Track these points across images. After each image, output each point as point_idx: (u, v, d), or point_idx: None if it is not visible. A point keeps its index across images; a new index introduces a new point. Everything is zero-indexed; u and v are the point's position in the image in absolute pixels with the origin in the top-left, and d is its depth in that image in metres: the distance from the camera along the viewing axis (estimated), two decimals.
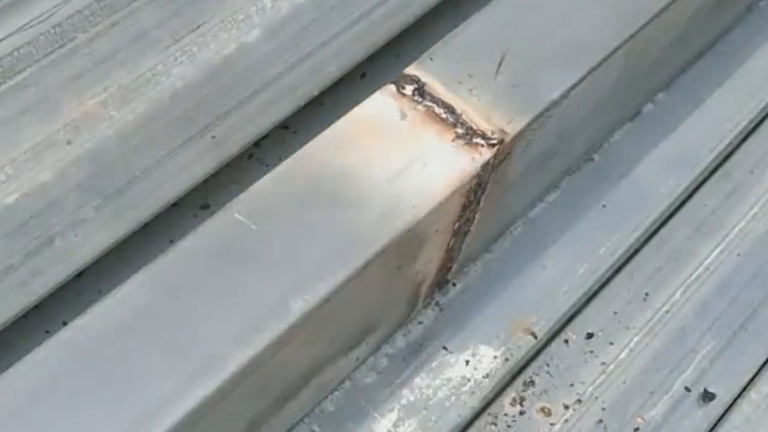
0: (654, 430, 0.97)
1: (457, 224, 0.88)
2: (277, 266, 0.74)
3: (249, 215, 0.76)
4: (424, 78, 0.86)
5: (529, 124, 0.85)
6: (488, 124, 0.84)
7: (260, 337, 0.71)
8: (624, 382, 0.99)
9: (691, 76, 1.19)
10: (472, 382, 0.95)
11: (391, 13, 0.95)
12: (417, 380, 0.94)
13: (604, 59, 0.90)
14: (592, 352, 1.00)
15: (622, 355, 1.00)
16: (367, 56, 0.93)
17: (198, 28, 0.89)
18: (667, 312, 1.04)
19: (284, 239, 0.76)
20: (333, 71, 0.90)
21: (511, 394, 0.97)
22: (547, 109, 0.86)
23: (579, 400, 0.97)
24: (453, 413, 0.93)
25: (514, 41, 0.89)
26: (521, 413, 0.96)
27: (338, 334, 0.83)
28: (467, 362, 0.96)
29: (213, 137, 0.84)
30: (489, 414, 0.96)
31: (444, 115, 0.84)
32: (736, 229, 1.10)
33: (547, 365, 0.99)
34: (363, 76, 0.95)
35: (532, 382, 0.98)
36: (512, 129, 0.84)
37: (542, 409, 0.96)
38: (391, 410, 0.92)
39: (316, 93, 0.89)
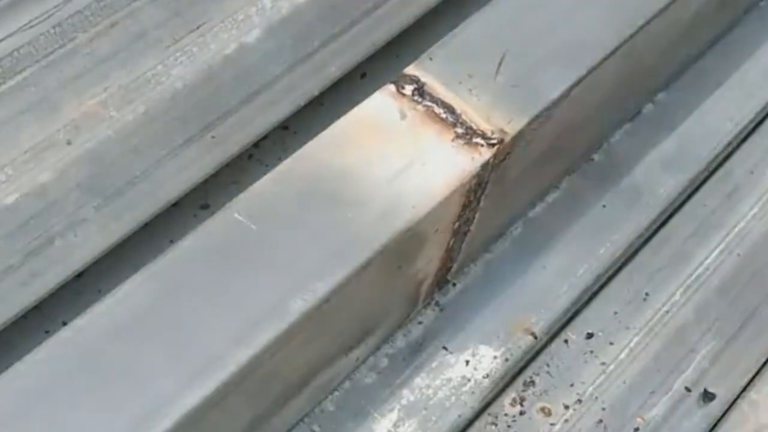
0: (654, 430, 0.97)
1: (457, 224, 0.88)
2: (276, 266, 0.74)
3: (249, 215, 0.76)
4: (424, 78, 0.86)
5: (529, 124, 0.85)
6: (488, 123, 0.84)
7: (260, 337, 0.71)
8: (624, 382, 0.99)
9: (691, 76, 1.19)
10: (472, 382, 0.95)
11: (391, 13, 0.95)
12: (417, 380, 0.94)
13: (604, 59, 0.90)
14: (592, 352, 1.00)
15: (622, 355, 1.00)
16: (367, 56, 0.93)
17: (198, 28, 0.89)
18: (667, 312, 1.04)
19: (284, 239, 0.76)
20: (333, 71, 0.90)
21: (511, 394, 0.97)
22: (546, 109, 0.86)
23: (579, 400, 0.97)
24: (453, 413, 0.93)
25: (513, 41, 0.89)
26: (521, 413, 0.96)
27: (338, 334, 0.83)
28: (467, 362, 0.96)
29: (213, 137, 0.84)
30: (489, 414, 0.96)
31: (444, 115, 0.84)
32: (736, 229, 1.10)
33: (547, 365, 0.99)
34: (363, 76, 0.95)
35: (532, 382, 0.98)
36: (512, 129, 0.84)
37: (542, 409, 0.96)
38: (391, 410, 0.92)
39: (316, 93, 0.89)
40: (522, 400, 0.97)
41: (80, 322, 0.70)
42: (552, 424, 0.96)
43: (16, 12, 0.85)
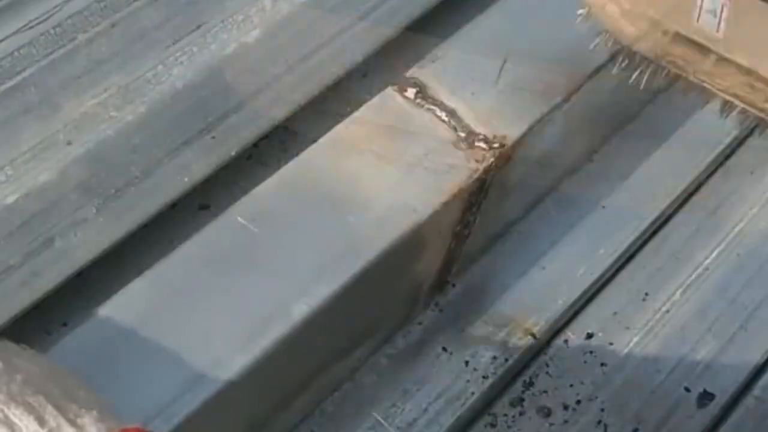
0: (653, 430, 0.97)
1: (458, 227, 0.88)
2: (279, 270, 0.75)
3: (251, 218, 0.76)
4: (426, 81, 0.86)
5: (531, 128, 0.85)
6: (490, 127, 0.84)
7: (261, 341, 0.71)
8: (623, 383, 0.99)
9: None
10: (471, 382, 0.95)
11: (392, 13, 0.94)
12: (416, 381, 0.94)
13: (606, 63, 0.90)
14: (591, 352, 1.00)
15: (622, 356, 1.00)
16: (367, 57, 0.92)
17: (198, 28, 0.89)
18: (667, 312, 1.04)
19: (286, 243, 0.76)
20: (333, 72, 0.90)
21: (510, 394, 0.97)
22: (548, 113, 0.87)
23: (578, 401, 0.97)
24: (452, 414, 0.93)
25: (515, 45, 0.89)
26: (521, 414, 0.96)
27: (339, 336, 0.83)
28: (467, 363, 0.96)
29: (213, 138, 0.84)
30: (489, 414, 0.96)
31: (446, 119, 0.84)
32: (736, 230, 1.10)
33: (547, 365, 0.99)
34: (364, 76, 0.95)
35: (532, 383, 0.98)
36: (514, 133, 0.84)
37: (542, 410, 0.96)
38: (391, 411, 0.92)
39: (316, 93, 0.89)
40: (521, 400, 0.97)
41: (81, 325, 0.71)
42: (551, 425, 0.96)
43: (16, 12, 0.85)
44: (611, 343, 1.01)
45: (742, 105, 0.78)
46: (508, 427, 0.95)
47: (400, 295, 0.91)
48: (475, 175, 0.82)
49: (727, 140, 1.15)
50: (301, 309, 0.73)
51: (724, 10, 0.75)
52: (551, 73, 0.88)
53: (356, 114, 0.84)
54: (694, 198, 1.12)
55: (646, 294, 1.05)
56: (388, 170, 0.81)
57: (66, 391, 0.62)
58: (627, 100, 1.09)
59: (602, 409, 0.97)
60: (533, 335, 0.98)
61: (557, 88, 0.88)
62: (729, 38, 0.77)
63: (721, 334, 1.03)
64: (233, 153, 0.84)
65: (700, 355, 1.02)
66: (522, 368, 0.99)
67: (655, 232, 1.09)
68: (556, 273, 1.02)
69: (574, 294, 1.02)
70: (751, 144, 1.17)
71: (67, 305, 0.79)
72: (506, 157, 0.84)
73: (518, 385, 0.98)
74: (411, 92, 0.85)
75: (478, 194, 0.85)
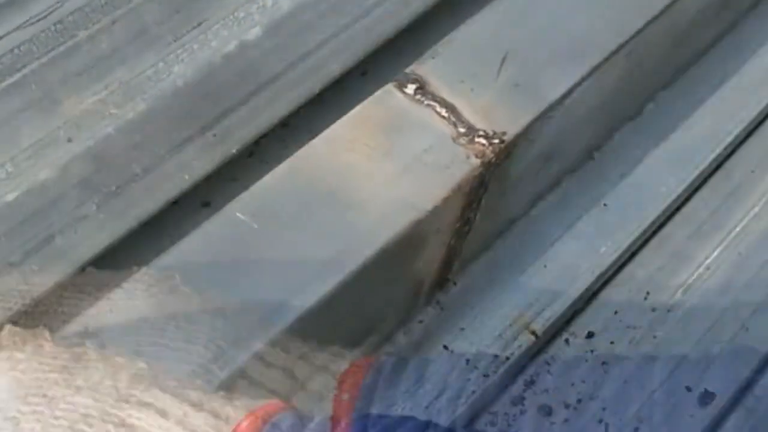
0: (654, 429, 0.97)
1: (458, 224, 0.88)
2: (278, 266, 0.74)
3: (251, 214, 0.76)
4: (426, 77, 0.86)
5: (531, 124, 0.85)
6: (490, 123, 0.84)
7: (261, 338, 0.71)
8: (624, 382, 0.99)
9: (693, 74, 1.19)
10: (472, 381, 0.95)
11: (392, 10, 0.94)
12: (417, 379, 0.94)
13: (607, 59, 0.90)
14: (593, 351, 1.00)
15: (623, 355, 1.00)
16: (368, 54, 0.92)
17: (199, 25, 0.88)
18: (668, 311, 1.04)
19: (286, 239, 0.76)
20: (333, 69, 0.90)
21: (511, 393, 0.97)
22: (549, 109, 0.86)
23: (579, 400, 0.97)
24: (453, 412, 0.93)
25: (516, 40, 0.89)
26: (522, 412, 0.96)
27: (339, 334, 0.83)
28: (468, 361, 0.96)
29: (214, 135, 0.84)
30: (489, 413, 0.96)
31: (445, 114, 0.84)
32: (737, 229, 1.10)
33: (548, 364, 0.99)
34: (364, 74, 0.95)
35: (533, 382, 0.98)
36: (514, 128, 0.84)
37: (542, 408, 0.96)
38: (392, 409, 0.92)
39: (316, 91, 0.89)
40: (522, 399, 0.97)
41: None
42: (552, 423, 0.95)
43: (17, 9, 0.84)
44: (612, 342, 1.01)
45: None
46: (509, 425, 0.95)
47: (400, 293, 0.91)
48: (475, 171, 0.82)
49: (729, 138, 1.15)
50: (300, 305, 0.73)
51: None
52: (551, 69, 0.88)
53: (355, 110, 0.84)
54: (696, 196, 1.12)
55: (648, 293, 1.04)
56: (387, 166, 0.81)
57: (179, 380, 0.59)
58: (628, 97, 1.09)
59: (603, 408, 0.97)
60: (534, 334, 0.98)
61: (558, 84, 0.88)
62: None
63: (723, 333, 1.03)
64: (234, 150, 0.84)
65: (701, 354, 1.01)
66: (523, 367, 0.98)
67: (656, 231, 1.09)
68: (557, 272, 1.02)
69: (576, 293, 1.02)
70: (752, 142, 1.17)
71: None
72: (506, 152, 0.84)
73: (519, 384, 0.97)
74: (411, 88, 0.85)
75: (478, 190, 0.85)
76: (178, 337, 0.65)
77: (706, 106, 1.17)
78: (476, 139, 0.82)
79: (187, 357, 0.62)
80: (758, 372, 1.02)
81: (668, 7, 0.95)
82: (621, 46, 0.92)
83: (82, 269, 0.77)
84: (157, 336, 0.64)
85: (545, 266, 1.02)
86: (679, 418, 0.98)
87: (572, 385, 0.98)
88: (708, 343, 1.02)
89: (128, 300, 0.67)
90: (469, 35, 0.90)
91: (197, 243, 0.76)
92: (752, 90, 1.18)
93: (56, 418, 0.56)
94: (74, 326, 0.70)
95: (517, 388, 0.97)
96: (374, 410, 0.61)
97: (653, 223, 1.09)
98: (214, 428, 0.55)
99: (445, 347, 0.96)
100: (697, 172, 1.12)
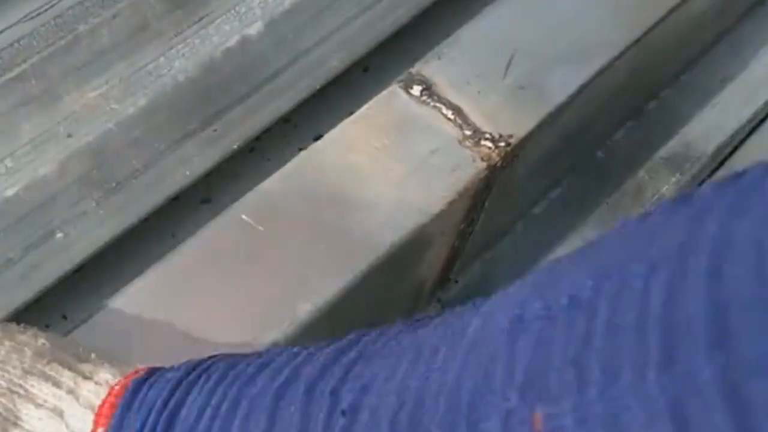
0: None
1: (462, 226, 0.87)
2: (282, 268, 0.74)
3: (255, 216, 0.76)
4: (432, 78, 0.85)
5: (538, 127, 0.85)
6: (496, 126, 0.83)
7: (266, 340, 0.71)
8: None
9: (695, 73, 1.19)
10: None
11: (394, 6, 0.94)
12: None
13: (614, 60, 0.90)
14: None
15: None
16: (370, 50, 0.92)
17: (200, 20, 0.88)
18: None
19: (290, 241, 0.75)
20: (335, 65, 0.90)
21: None
22: (555, 112, 0.86)
23: None
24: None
25: (522, 41, 0.88)
26: None
27: (340, 331, 0.83)
28: None
29: (214, 130, 0.84)
30: None
31: (451, 116, 0.83)
32: None
33: None
34: (365, 70, 0.94)
35: None
36: (520, 131, 0.84)
37: None
38: None
39: (317, 87, 0.88)
40: None
41: (81, 321, 0.70)
42: None
43: (17, 3, 0.84)
44: None
45: None
46: None
47: (403, 293, 0.91)
48: (481, 175, 0.82)
49: (729, 138, 1.15)
50: (305, 308, 0.73)
51: None
52: (558, 71, 0.88)
53: (361, 111, 0.83)
54: None
55: None
56: (393, 168, 0.80)
57: (78, 356, 0.64)
58: (631, 96, 1.08)
59: None
60: None
61: (565, 86, 0.87)
62: None
63: None
64: (235, 146, 0.84)
65: None
66: None
67: None
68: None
69: None
70: (754, 142, 1.17)
71: (67, 298, 0.78)
72: (512, 155, 0.84)
73: None
74: (417, 89, 0.85)
75: (482, 193, 0.85)
76: None
77: (709, 104, 1.16)
78: (482, 142, 0.82)
79: None
80: None
81: (675, 7, 0.95)
82: (628, 47, 0.91)
83: (81, 265, 0.77)
84: None
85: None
86: None
87: None
88: None
89: None
90: (475, 35, 0.89)
91: (200, 244, 0.76)
92: (755, 88, 1.18)
93: None
94: None
95: None
96: None
97: None
98: (95, 394, 0.61)
99: None
100: (699, 170, 1.12)
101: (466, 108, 0.84)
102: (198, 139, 0.82)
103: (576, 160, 1.07)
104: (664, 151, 1.11)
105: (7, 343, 0.65)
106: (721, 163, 1.14)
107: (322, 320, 0.74)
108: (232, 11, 0.89)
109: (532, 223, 1.04)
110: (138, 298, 0.74)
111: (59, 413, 0.61)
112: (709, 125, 1.14)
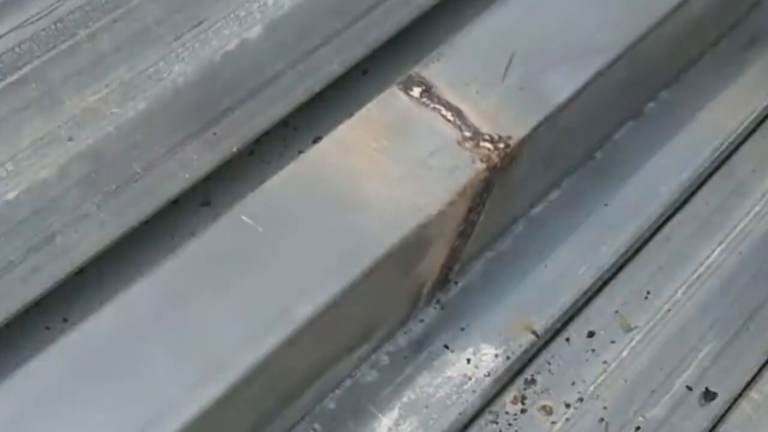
0: (655, 428, 0.97)
1: (462, 226, 0.87)
2: (283, 269, 0.74)
3: (255, 217, 0.76)
4: (431, 79, 0.86)
5: (536, 128, 0.85)
6: (495, 127, 0.84)
7: (266, 341, 0.71)
8: (625, 381, 0.99)
9: (694, 74, 1.19)
10: (473, 380, 0.95)
11: (393, 10, 0.94)
12: (418, 379, 0.94)
13: (613, 62, 0.90)
14: (593, 350, 1.00)
15: (624, 354, 1.00)
16: (368, 53, 0.92)
17: (200, 24, 0.88)
18: (669, 311, 1.04)
19: (291, 242, 0.75)
20: (334, 68, 0.90)
21: (512, 392, 0.97)
22: (554, 113, 0.86)
23: (580, 399, 0.97)
24: (454, 411, 0.93)
25: (521, 43, 0.89)
26: (522, 411, 0.96)
27: (342, 335, 0.83)
28: (468, 360, 0.96)
29: (214, 134, 0.84)
30: (490, 412, 0.96)
31: (451, 118, 0.84)
32: (738, 228, 1.10)
33: (549, 363, 0.99)
34: (364, 73, 0.95)
35: (534, 381, 0.98)
36: (519, 132, 0.84)
37: (543, 408, 0.96)
38: (392, 408, 0.92)
39: (317, 90, 0.89)
40: (523, 398, 0.97)
41: (86, 325, 0.70)
42: (553, 423, 0.96)
43: (18, 8, 0.84)
44: (613, 342, 1.01)
45: None
46: (509, 425, 0.95)
47: (402, 295, 0.91)
48: (481, 176, 0.82)
49: (729, 138, 1.15)
50: (305, 309, 0.73)
51: None
52: (557, 72, 0.88)
53: (361, 112, 0.84)
54: (696, 196, 1.12)
55: (648, 292, 1.04)
56: (393, 169, 0.80)
57: None
58: (630, 97, 1.09)
59: (604, 407, 0.97)
60: (535, 333, 0.98)
61: (563, 88, 0.88)
62: None
63: (723, 333, 1.03)
64: (234, 149, 0.84)
65: (702, 353, 1.01)
66: (524, 366, 0.98)
67: (657, 231, 1.09)
68: (558, 271, 1.02)
69: (576, 292, 1.01)
70: (754, 142, 1.17)
71: (67, 301, 0.79)
72: (511, 156, 0.84)
73: (520, 383, 0.97)
74: (416, 91, 0.85)
75: (482, 194, 0.85)
76: None
77: (708, 105, 1.17)
78: (482, 143, 0.82)
79: None
80: (760, 370, 1.02)
81: (673, 9, 0.95)
82: (626, 50, 0.91)
83: (82, 268, 0.77)
84: None
85: (546, 266, 1.02)
86: (679, 418, 0.98)
87: (573, 384, 0.98)
88: (709, 342, 1.02)
89: None
90: (473, 37, 0.90)
91: (200, 245, 0.76)
92: (754, 88, 1.18)
93: None
94: None
95: (517, 387, 0.97)
96: None
97: (654, 222, 1.08)
98: None
99: (446, 346, 0.96)
100: (698, 171, 1.12)
101: (466, 109, 0.84)
102: (198, 142, 0.83)
103: (575, 162, 1.07)
104: (663, 152, 1.11)
105: None
106: (720, 165, 1.15)
107: (321, 320, 0.74)
108: (232, 15, 0.90)
109: (531, 224, 1.04)
110: (139, 299, 0.74)
111: None
112: (707, 126, 1.14)
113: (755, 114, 1.17)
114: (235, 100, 0.86)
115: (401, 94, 0.85)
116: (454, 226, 0.87)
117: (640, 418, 0.97)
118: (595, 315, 1.02)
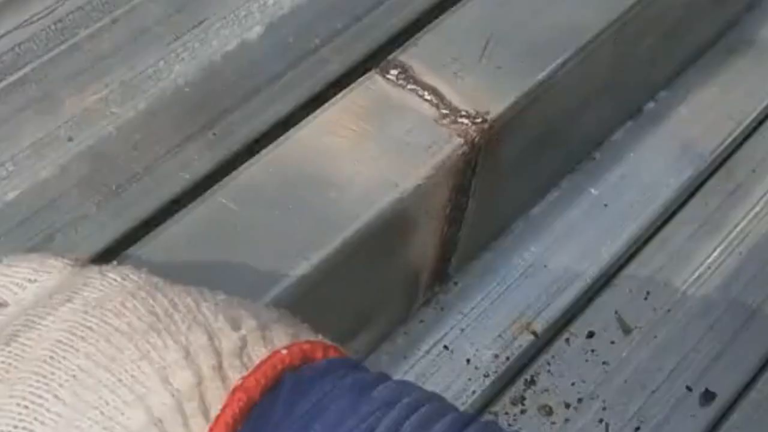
0: (655, 429, 0.97)
1: (448, 209, 0.87)
2: (259, 247, 0.74)
3: (231, 198, 0.76)
4: (409, 62, 0.86)
5: (515, 104, 0.85)
6: (473, 104, 0.84)
7: None
8: (625, 381, 0.99)
9: (693, 73, 1.19)
10: (472, 380, 0.95)
11: (394, 9, 0.94)
12: (417, 379, 0.94)
13: (591, 41, 0.91)
14: (593, 351, 1.00)
15: (624, 354, 1.00)
16: (369, 53, 0.92)
17: (200, 24, 0.88)
18: (669, 311, 1.04)
19: (266, 221, 0.75)
20: (335, 68, 0.90)
21: (511, 392, 0.97)
22: (534, 89, 0.87)
23: (580, 399, 0.97)
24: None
25: (500, 24, 0.89)
26: (522, 412, 0.96)
27: (331, 322, 0.83)
28: (468, 361, 0.96)
29: (214, 134, 0.84)
30: (490, 413, 0.96)
31: (428, 97, 0.84)
32: (738, 228, 1.10)
33: (548, 364, 0.99)
34: (365, 73, 0.95)
35: (533, 381, 0.98)
36: (497, 108, 0.84)
37: (543, 408, 0.96)
38: None
39: (317, 90, 0.89)
40: (523, 399, 0.97)
41: None
42: (553, 423, 0.96)
43: (17, 8, 0.84)
44: (613, 342, 1.01)
45: None
46: (509, 425, 0.95)
47: (395, 285, 0.91)
48: (458, 150, 0.82)
49: (730, 137, 1.15)
50: (282, 284, 0.73)
51: None
52: (536, 52, 0.88)
53: (337, 97, 0.84)
54: (696, 196, 1.12)
55: (648, 293, 1.04)
56: (369, 147, 0.81)
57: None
58: (624, 91, 1.08)
59: (604, 408, 0.97)
60: (535, 333, 0.98)
61: (543, 66, 0.88)
62: None
63: (724, 333, 1.03)
64: (235, 150, 0.84)
65: (702, 353, 1.01)
66: (523, 366, 0.98)
67: (656, 231, 1.09)
68: (557, 271, 1.02)
69: (576, 292, 1.01)
70: (754, 142, 1.17)
71: None
72: (492, 133, 0.84)
73: (519, 384, 0.97)
74: (393, 73, 0.85)
75: (465, 172, 0.85)
76: None
77: (707, 105, 1.17)
78: (459, 119, 0.82)
79: None
80: (761, 371, 1.02)
81: None
82: (606, 29, 0.92)
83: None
84: None
85: (545, 266, 1.02)
86: (679, 418, 0.98)
87: (573, 384, 0.98)
88: (709, 342, 1.02)
89: None
90: (452, 20, 0.91)
91: (178, 227, 0.76)
92: (754, 88, 1.18)
93: None
94: None
95: (517, 387, 0.97)
96: None
97: (653, 222, 1.08)
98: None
99: (445, 347, 0.96)
100: (698, 171, 1.12)
101: (443, 89, 0.85)
102: (198, 143, 0.83)
103: (572, 159, 1.07)
104: (662, 152, 1.11)
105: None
106: (720, 165, 1.15)
107: (304, 299, 0.74)
108: (232, 15, 0.90)
109: (530, 224, 1.04)
110: None
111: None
112: (707, 126, 1.14)
113: (756, 114, 1.17)
114: (236, 100, 0.86)
115: (378, 78, 0.86)
116: (440, 207, 0.86)
117: (640, 419, 0.97)
118: (595, 315, 1.02)
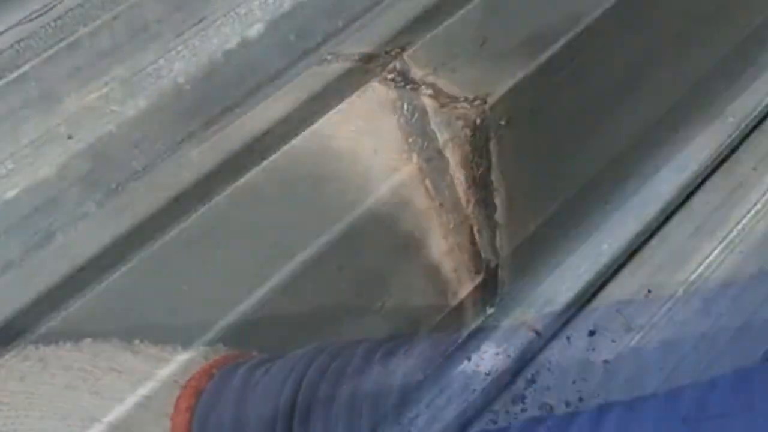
0: None
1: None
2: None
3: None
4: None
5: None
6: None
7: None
8: (625, 380, 0.99)
9: (693, 73, 1.19)
10: (473, 379, 0.95)
11: (395, 7, 0.94)
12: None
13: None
14: (594, 349, 1.00)
15: (624, 353, 1.00)
16: (369, 51, 0.92)
17: (200, 22, 0.88)
18: (669, 309, 1.04)
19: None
20: (336, 66, 0.90)
21: (512, 391, 0.97)
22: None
23: (581, 398, 0.97)
24: (454, 411, 0.93)
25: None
26: (523, 410, 0.96)
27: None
28: (469, 359, 0.96)
29: (214, 134, 0.84)
30: (490, 411, 0.96)
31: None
32: (739, 227, 1.10)
33: (549, 362, 0.99)
34: (365, 72, 0.95)
35: (534, 380, 0.98)
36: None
37: (544, 407, 0.96)
38: None
39: (318, 88, 0.89)
40: (523, 397, 0.97)
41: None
42: None
43: (17, 5, 0.84)
44: (613, 340, 1.01)
45: None
46: (510, 424, 0.95)
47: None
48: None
49: (730, 136, 1.15)
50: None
51: None
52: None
53: (338, 95, 0.85)
54: (697, 195, 1.12)
55: (648, 291, 1.04)
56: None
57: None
58: (634, 96, 1.08)
59: None
60: (536, 332, 0.98)
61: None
62: None
63: (724, 332, 1.03)
64: (235, 148, 0.84)
65: (702, 352, 1.01)
66: (524, 365, 0.98)
67: (657, 229, 1.09)
68: (558, 270, 1.02)
69: (577, 291, 1.01)
70: (755, 140, 1.17)
71: (67, 300, 0.79)
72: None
73: (520, 382, 0.97)
74: (392, 71, 0.85)
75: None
76: None
77: (707, 105, 1.17)
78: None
79: None
80: None
81: None
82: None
83: (82, 267, 0.77)
84: None
85: (545, 265, 1.02)
86: None
87: (573, 383, 0.98)
88: (709, 341, 1.02)
89: None
90: (450, 23, 0.90)
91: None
92: (755, 87, 1.18)
93: None
94: None
95: (518, 386, 0.97)
96: None
97: (654, 221, 1.08)
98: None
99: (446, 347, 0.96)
100: (698, 169, 1.12)
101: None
102: (198, 141, 0.83)
103: (576, 157, 1.07)
104: (663, 150, 1.11)
105: None
106: (721, 164, 1.15)
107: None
108: (232, 13, 0.90)
109: (531, 224, 1.04)
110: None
111: None
112: (708, 125, 1.14)
113: (756, 111, 1.17)
114: (236, 98, 0.86)
115: (378, 76, 0.86)
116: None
117: None
118: (596, 314, 1.02)
